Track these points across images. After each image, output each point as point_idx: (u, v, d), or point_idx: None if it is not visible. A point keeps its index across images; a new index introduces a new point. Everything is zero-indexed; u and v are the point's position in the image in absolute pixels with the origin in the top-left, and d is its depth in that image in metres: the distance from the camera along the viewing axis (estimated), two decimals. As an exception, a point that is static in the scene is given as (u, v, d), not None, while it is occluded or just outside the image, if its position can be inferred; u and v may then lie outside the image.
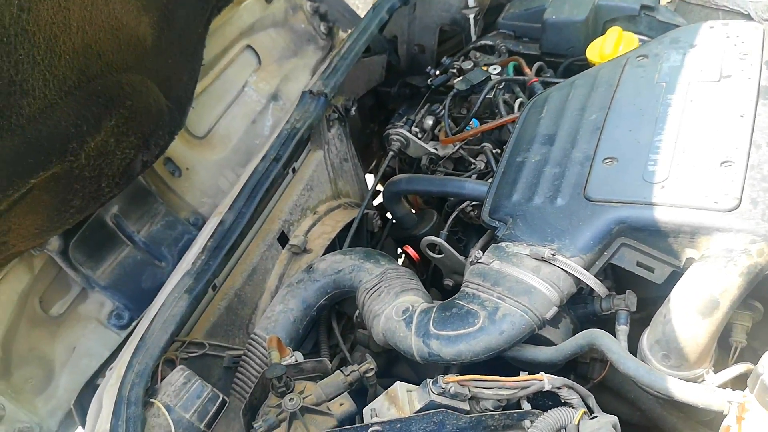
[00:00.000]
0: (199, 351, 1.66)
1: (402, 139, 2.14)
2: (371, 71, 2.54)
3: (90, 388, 1.68)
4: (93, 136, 1.41)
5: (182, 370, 1.48)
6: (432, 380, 1.36)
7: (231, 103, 2.25)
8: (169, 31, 1.64)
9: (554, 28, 2.22)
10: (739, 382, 1.29)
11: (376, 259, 1.72)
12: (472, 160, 2.04)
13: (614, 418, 1.23)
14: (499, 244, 1.53)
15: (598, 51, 2.02)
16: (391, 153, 2.17)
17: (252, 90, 2.31)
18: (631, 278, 1.49)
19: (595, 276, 1.44)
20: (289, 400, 1.41)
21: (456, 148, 2.07)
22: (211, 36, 2.00)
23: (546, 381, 1.35)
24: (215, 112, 2.20)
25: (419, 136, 2.18)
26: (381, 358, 1.75)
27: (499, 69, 2.20)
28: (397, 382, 1.42)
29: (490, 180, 1.78)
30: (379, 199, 2.60)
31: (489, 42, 2.38)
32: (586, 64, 2.03)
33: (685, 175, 1.42)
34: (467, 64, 2.28)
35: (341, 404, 1.45)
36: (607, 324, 1.45)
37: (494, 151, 2.01)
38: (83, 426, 1.52)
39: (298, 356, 1.58)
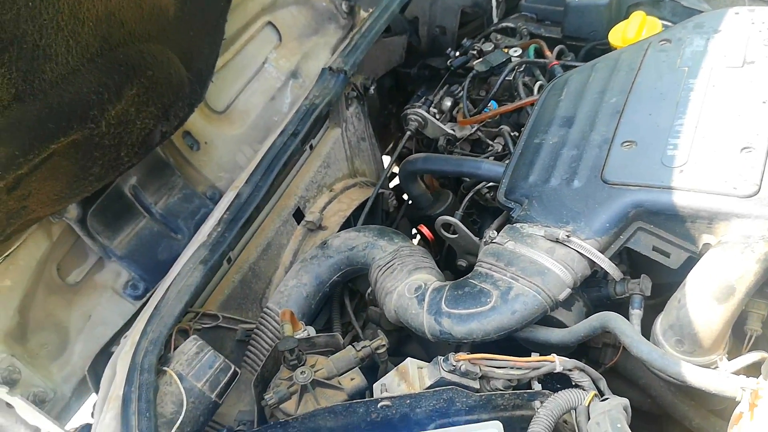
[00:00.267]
0: (213, 322, 1.68)
1: (420, 119, 2.14)
2: (391, 52, 2.52)
3: (104, 355, 1.71)
4: (114, 104, 1.42)
5: (195, 340, 1.49)
6: (443, 357, 1.37)
7: (251, 79, 2.24)
8: (192, 3, 1.64)
9: (577, 12, 2.20)
10: (752, 371, 1.28)
11: (390, 237, 1.73)
12: (490, 142, 2.03)
13: (625, 401, 1.23)
14: (514, 224, 1.53)
15: (620, 35, 1.99)
16: (408, 133, 2.17)
17: (272, 67, 2.30)
18: (645, 263, 1.49)
19: (609, 259, 1.44)
20: (301, 373, 1.43)
21: (474, 129, 2.06)
22: (233, 11, 1.99)
23: (557, 362, 1.35)
24: (235, 87, 2.20)
25: (437, 117, 2.17)
26: (392, 336, 1.76)
27: (519, 51, 2.18)
28: (408, 358, 1.42)
29: (506, 161, 1.77)
30: (395, 181, 2.60)
31: (510, 24, 2.37)
32: (608, 49, 2.01)
33: (705, 160, 1.40)
34: (488, 46, 2.27)
35: (352, 379, 1.47)
36: (620, 308, 1.44)
37: (512, 134, 2.00)
38: (97, 392, 1.54)
39: (311, 330, 1.59)
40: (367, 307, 1.86)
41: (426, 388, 1.36)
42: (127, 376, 1.37)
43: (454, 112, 2.22)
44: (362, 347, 1.49)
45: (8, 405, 1.56)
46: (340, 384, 1.45)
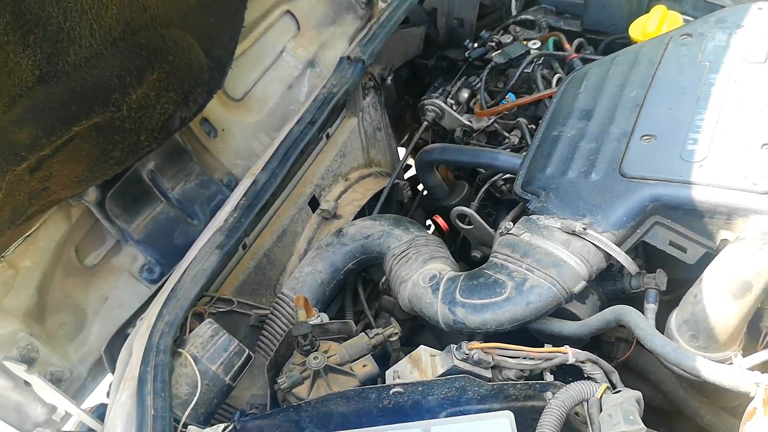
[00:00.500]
0: (227, 307, 1.70)
1: (437, 110, 2.14)
2: (409, 43, 2.52)
3: (120, 337, 1.73)
4: (135, 89, 1.44)
5: (210, 323, 1.51)
6: (456, 346, 1.37)
7: (268, 67, 2.25)
8: (213, -11, 1.65)
9: (597, 5, 2.18)
10: (767, 368, 1.28)
11: (406, 226, 1.73)
12: (507, 134, 2.03)
13: (638, 393, 1.22)
14: (530, 216, 1.53)
15: (641, 29, 1.98)
16: (425, 123, 2.17)
17: (289, 55, 2.31)
18: (661, 259, 1.48)
19: (626, 253, 1.43)
20: (314, 358, 1.44)
21: (491, 121, 2.06)
22: (252, -1, 2.00)
23: (570, 354, 1.35)
24: (252, 75, 2.21)
25: (454, 108, 2.17)
26: (405, 325, 1.77)
27: (538, 44, 2.17)
28: (421, 346, 1.43)
29: (523, 153, 1.77)
30: (410, 173, 2.60)
31: (530, 17, 2.35)
32: (627, 43, 2.00)
33: (725, 156, 1.39)
34: (506, 38, 2.26)
35: (364, 366, 1.47)
36: (635, 303, 1.44)
37: (529, 126, 2.00)
38: (113, 372, 1.56)
39: (324, 317, 1.60)
40: (380, 296, 1.86)
41: (438, 376, 1.36)
42: (143, 357, 1.39)
43: (471, 104, 2.21)
44: (375, 335, 1.50)
45: (26, 383, 1.59)
46: (352, 370, 1.46)
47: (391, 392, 1.31)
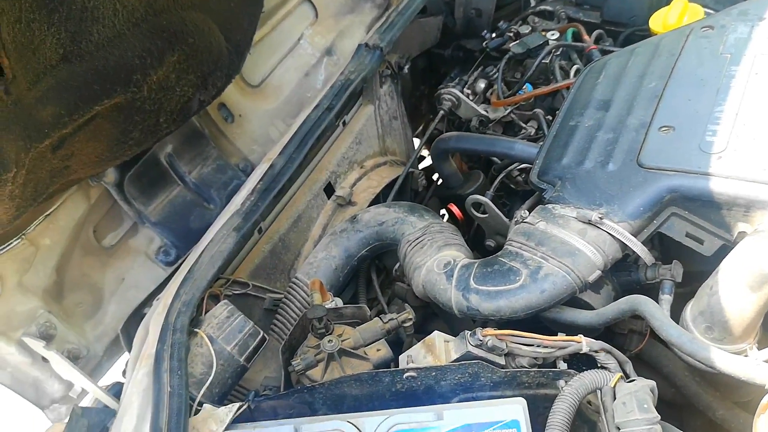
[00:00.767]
0: (242, 290, 1.71)
1: (453, 99, 2.14)
2: (426, 32, 2.52)
3: (136, 317, 1.75)
4: (156, 70, 1.45)
5: (226, 305, 1.52)
6: (470, 332, 1.38)
7: (286, 54, 2.26)
8: (234, -27, 1.66)
9: (617, -4, 2.17)
10: (782, 361, 1.28)
11: (420, 213, 1.74)
12: (523, 125, 2.03)
13: (652, 383, 1.22)
14: (546, 205, 1.53)
15: (661, 21, 1.97)
16: (441, 112, 2.17)
17: (307, 43, 2.32)
18: (677, 250, 1.47)
19: (641, 244, 1.43)
20: (328, 341, 1.45)
21: (507, 111, 2.06)
22: (271, -16, 2.01)
23: (584, 343, 1.35)
24: (270, 62, 2.22)
25: (470, 98, 2.17)
26: (417, 313, 1.77)
27: (557, 35, 2.16)
28: (435, 331, 1.44)
29: (540, 143, 1.76)
30: (424, 163, 2.60)
31: (548, 7, 2.34)
32: (647, 34, 1.99)
33: (744, 148, 1.38)
34: (525, 29, 2.25)
35: (378, 350, 1.49)
36: (650, 294, 1.43)
37: (546, 117, 1.99)
38: (129, 351, 1.58)
39: (338, 302, 1.61)
40: (393, 283, 1.87)
41: (452, 362, 1.37)
42: (160, 336, 1.40)
43: (488, 94, 2.21)
44: (389, 320, 1.50)
45: (44, 359, 1.62)
46: (366, 354, 1.47)
47: (404, 376, 1.31)
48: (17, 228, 1.57)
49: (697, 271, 1.46)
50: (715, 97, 1.50)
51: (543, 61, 2.07)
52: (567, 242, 1.42)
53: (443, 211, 2.28)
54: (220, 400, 1.44)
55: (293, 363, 1.44)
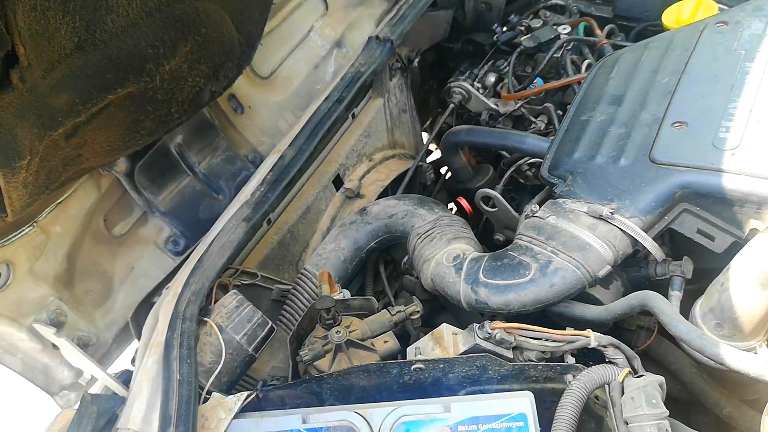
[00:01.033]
0: (251, 280, 1.72)
1: (463, 93, 2.13)
2: (436, 26, 2.51)
3: (145, 305, 1.75)
4: (168, 60, 1.45)
5: (235, 295, 1.53)
6: (478, 325, 1.38)
7: (296, 46, 2.26)
8: (246, -36, 1.66)
9: (630, -10, 2.16)
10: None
11: (430, 206, 1.74)
12: (533, 119, 2.02)
13: (661, 378, 1.22)
14: (557, 199, 1.53)
15: (674, 16, 1.95)
16: (451, 106, 2.16)
17: (317, 35, 2.31)
18: (687, 247, 1.47)
19: (652, 239, 1.43)
20: (336, 332, 1.45)
21: (517, 105, 2.05)
22: (283, -24, 2.01)
23: (592, 338, 1.35)
24: (280, 53, 2.22)
25: (480, 92, 2.16)
26: (425, 306, 1.77)
27: (568, 29, 2.15)
28: (444, 323, 1.44)
29: (551, 137, 1.76)
30: (432, 156, 2.60)
31: (560, 2, 2.33)
32: (660, 30, 1.97)
33: (758, 144, 1.37)
34: (536, 23, 2.24)
35: (386, 342, 1.49)
36: (659, 290, 1.42)
37: (556, 112, 1.99)
38: (138, 339, 1.59)
39: (346, 293, 1.62)
40: (401, 276, 1.87)
41: (460, 354, 1.37)
42: (170, 324, 1.41)
43: (498, 88, 2.21)
44: (397, 312, 1.51)
45: (54, 346, 1.63)
46: (373, 346, 1.47)
47: (412, 368, 1.32)
48: (29, 215, 1.58)
49: (707, 268, 1.45)
50: (729, 93, 1.49)
51: (554, 55, 2.06)
52: (577, 237, 1.42)
53: (452, 205, 2.28)
54: (228, 389, 1.45)
55: (301, 353, 1.44)
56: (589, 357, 1.39)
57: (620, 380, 1.25)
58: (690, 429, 1.27)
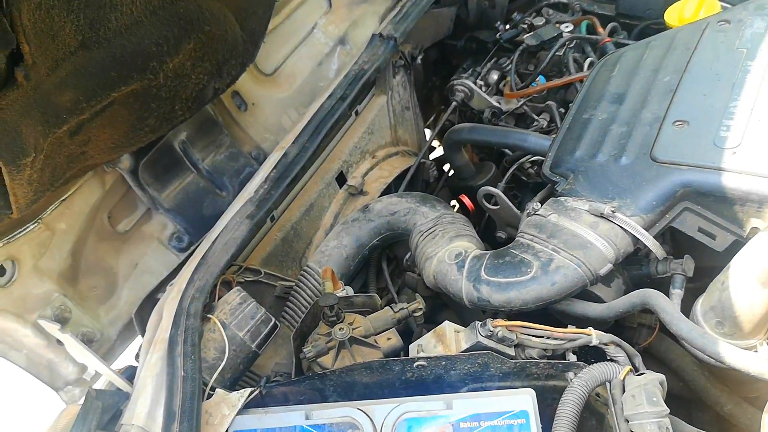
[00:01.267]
0: (254, 277, 1.73)
1: (466, 90, 2.14)
2: (439, 23, 2.52)
3: (150, 301, 1.76)
4: (172, 57, 1.46)
5: (239, 291, 1.54)
6: (480, 323, 1.39)
7: (299, 43, 2.26)
8: (249, -39, 1.66)
9: (633, -11, 2.16)
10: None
11: (432, 204, 1.74)
12: (535, 117, 2.03)
13: (661, 376, 1.23)
14: (558, 198, 1.53)
15: (677, 15, 1.96)
16: (454, 103, 2.17)
17: (320, 32, 2.32)
18: (689, 245, 1.47)
19: (653, 238, 1.43)
20: (339, 329, 1.46)
21: (520, 103, 2.06)
22: (286, -26, 2.02)
23: (594, 336, 1.36)
24: (283, 51, 2.22)
25: (483, 89, 2.17)
26: (427, 303, 1.77)
27: (571, 27, 2.16)
28: (446, 321, 1.45)
29: (553, 135, 1.76)
30: (435, 153, 2.61)
31: (563, 0, 2.33)
32: (662, 28, 1.97)
33: (759, 143, 1.38)
34: (539, 21, 2.25)
35: (389, 339, 1.50)
36: (660, 288, 1.43)
37: (559, 110, 1.99)
38: (142, 335, 1.60)
39: (349, 290, 1.62)
40: (403, 273, 1.88)
41: (462, 352, 1.38)
42: (174, 320, 1.42)
43: (501, 86, 2.21)
44: (399, 309, 1.52)
45: (58, 342, 1.64)
46: (376, 343, 1.48)
47: (414, 365, 1.33)
48: (34, 212, 1.58)
49: (708, 266, 1.46)
50: (731, 92, 1.50)
51: (557, 53, 2.07)
52: (579, 235, 1.43)
53: (454, 202, 2.28)
54: (232, 386, 1.45)
55: (304, 350, 1.45)
56: (591, 355, 1.40)
57: (621, 378, 1.26)
58: (691, 426, 1.28)
